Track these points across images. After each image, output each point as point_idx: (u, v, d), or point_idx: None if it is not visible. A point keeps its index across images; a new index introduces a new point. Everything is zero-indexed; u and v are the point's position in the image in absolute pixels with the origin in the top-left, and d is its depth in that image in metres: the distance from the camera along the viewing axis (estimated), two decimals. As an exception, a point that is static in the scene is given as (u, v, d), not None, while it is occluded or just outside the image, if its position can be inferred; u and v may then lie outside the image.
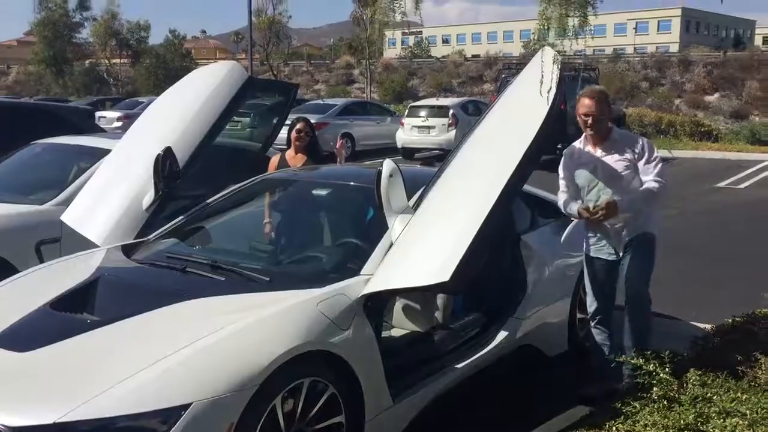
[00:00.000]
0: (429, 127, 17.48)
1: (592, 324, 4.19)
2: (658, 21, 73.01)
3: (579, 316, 4.64)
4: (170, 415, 2.46)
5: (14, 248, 4.77)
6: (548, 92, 3.33)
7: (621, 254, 3.99)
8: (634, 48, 55.23)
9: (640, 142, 3.96)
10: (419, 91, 36.49)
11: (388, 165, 3.48)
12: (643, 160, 3.90)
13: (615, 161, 3.92)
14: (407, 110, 18.91)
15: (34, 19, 46.40)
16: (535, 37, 3.40)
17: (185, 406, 2.48)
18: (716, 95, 30.11)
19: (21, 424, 2.43)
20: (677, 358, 3.77)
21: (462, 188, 3.40)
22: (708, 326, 4.87)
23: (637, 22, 70.74)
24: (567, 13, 3.39)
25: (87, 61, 50.08)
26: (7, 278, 3.74)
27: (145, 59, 46.61)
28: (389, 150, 17.43)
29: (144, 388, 2.52)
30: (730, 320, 4.62)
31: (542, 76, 3.46)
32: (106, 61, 49.61)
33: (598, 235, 4.04)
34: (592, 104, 3.88)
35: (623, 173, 3.91)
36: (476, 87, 35.87)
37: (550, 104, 3.29)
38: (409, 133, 17.78)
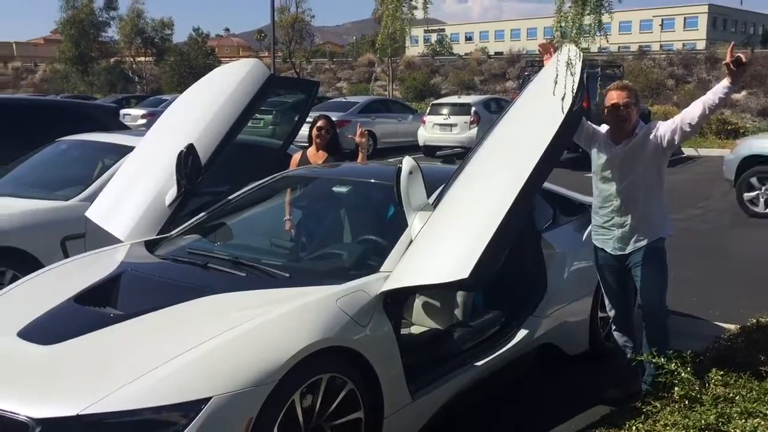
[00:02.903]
0: (451, 125, 17.44)
1: (613, 328, 4.15)
2: (684, 18, 72.19)
3: (600, 315, 4.61)
4: (190, 408, 2.49)
5: (40, 243, 4.86)
6: (570, 89, 3.30)
7: (628, 252, 3.87)
8: (660, 45, 54.64)
9: (657, 124, 3.85)
10: (441, 88, 36.38)
11: (407, 162, 3.48)
12: (668, 126, 3.78)
13: (634, 155, 3.79)
14: (429, 108, 18.86)
15: (61, 18, 47.09)
16: (558, 35, 3.36)
17: (205, 400, 2.50)
18: (743, 93, 29.63)
19: (45, 415, 2.47)
20: (699, 358, 3.73)
21: (482, 185, 3.39)
22: (732, 326, 4.82)
23: (663, 19, 70.01)
24: (582, 12, 3.35)
25: (112, 59, 50.67)
26: (32, 273, 3.80)
27: (169, 57, 47.06)
28: (411, 148, 17.42)
29: (165, 382, 2.55)
30: (754, 320, 4.56)
31: (563, 73, 3.43)
32: (131, 59, 50.15)
33: (604, 228, 3.94)
34: (622, 95, 3.79)
35: (639, 164, 3.79)
36: (499, 84, 35.69)
37: (571, 102, 3.27)
38: (430, 130, 17.75)
